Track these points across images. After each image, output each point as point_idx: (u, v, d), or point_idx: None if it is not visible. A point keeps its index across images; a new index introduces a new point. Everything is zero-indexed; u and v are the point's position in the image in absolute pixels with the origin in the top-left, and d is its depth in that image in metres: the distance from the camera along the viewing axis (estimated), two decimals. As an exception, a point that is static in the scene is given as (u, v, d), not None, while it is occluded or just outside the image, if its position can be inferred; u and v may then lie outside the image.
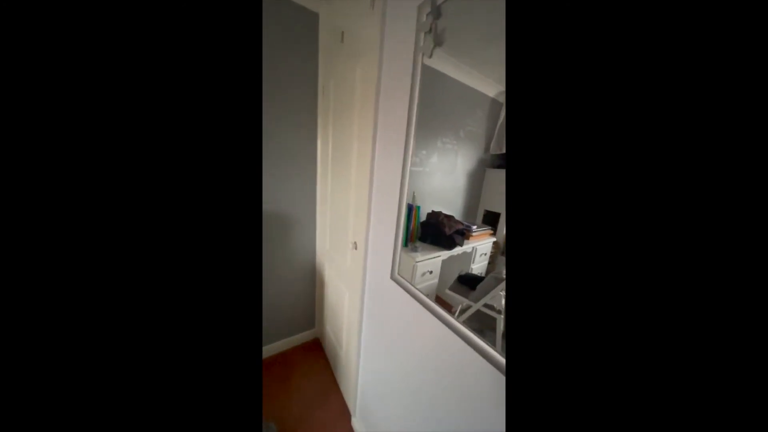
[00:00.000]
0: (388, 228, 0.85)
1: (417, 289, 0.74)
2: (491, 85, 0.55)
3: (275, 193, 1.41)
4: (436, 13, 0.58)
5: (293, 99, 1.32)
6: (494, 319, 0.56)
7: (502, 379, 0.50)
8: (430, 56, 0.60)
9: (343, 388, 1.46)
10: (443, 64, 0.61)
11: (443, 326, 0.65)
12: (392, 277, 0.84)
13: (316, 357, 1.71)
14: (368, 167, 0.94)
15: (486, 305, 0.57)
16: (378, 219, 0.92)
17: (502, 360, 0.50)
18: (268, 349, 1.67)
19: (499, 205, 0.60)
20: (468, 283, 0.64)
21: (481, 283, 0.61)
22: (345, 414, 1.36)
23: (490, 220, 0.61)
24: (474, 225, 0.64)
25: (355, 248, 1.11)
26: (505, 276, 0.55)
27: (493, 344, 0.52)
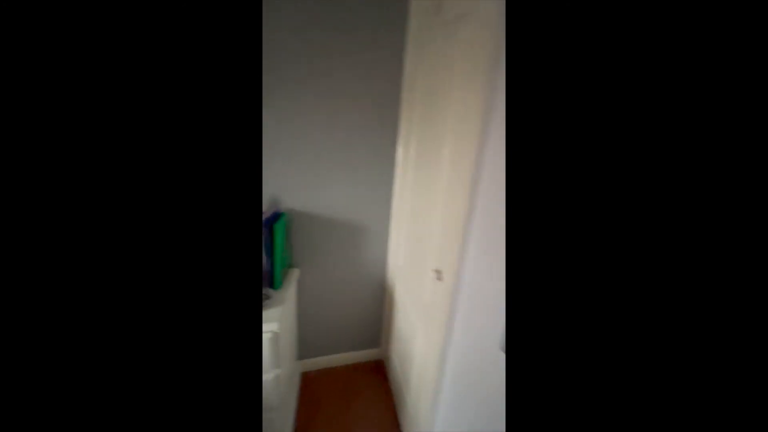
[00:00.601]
0: (501, 267, 0.55)
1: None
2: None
3: (346, 196, 1.26)
4: None
5: (375, 96, 1.16)
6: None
7: None
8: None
9: (406, 437, 1.21)
10: None
11: None
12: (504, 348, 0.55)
13: (378, 384, 1.49)
14: (468, 172, 0.65)
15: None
16: (482, 249, 0.62)
17: None
18: (326, 360, 1.56)
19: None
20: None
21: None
22: (407, 473, 1.11)
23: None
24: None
25: (439, 279, 0.84)
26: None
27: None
